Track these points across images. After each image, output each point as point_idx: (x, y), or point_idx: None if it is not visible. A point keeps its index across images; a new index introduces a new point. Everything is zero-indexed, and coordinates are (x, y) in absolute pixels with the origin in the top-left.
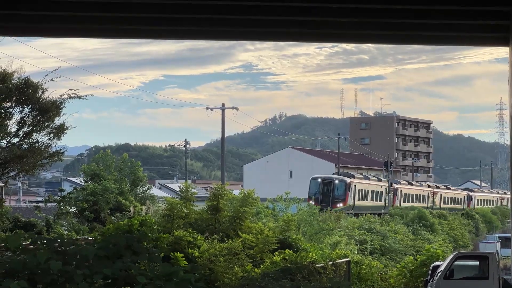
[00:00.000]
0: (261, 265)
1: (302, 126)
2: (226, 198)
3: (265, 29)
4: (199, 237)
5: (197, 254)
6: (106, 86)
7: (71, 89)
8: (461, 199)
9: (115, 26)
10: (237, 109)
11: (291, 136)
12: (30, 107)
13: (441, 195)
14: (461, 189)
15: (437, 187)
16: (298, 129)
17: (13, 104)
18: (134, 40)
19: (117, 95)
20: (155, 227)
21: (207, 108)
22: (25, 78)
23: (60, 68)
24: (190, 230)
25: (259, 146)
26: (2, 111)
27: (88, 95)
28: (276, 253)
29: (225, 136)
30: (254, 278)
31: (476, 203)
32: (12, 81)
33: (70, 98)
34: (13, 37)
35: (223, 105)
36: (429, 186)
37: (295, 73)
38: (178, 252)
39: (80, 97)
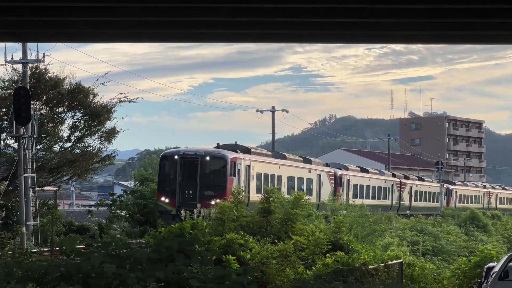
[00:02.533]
0: (313, 267)
1: (352, 128)
2: (278, 200)
3: (315, 31)
4: (250, 239)
5: (249, 256)
6: (155, 90)
7: (121, 93)
8: None
9: (163, 31)
10: (287, 111)
11: (341, 138)
12: (81, 111)
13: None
14: None
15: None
16: (348, 131)
17: (65, 109)
18: (183, 44)
19: (166, 99)
20: (206, 230)
21: (257, 110)
22: (76, 83)
23: (110, 72)
24: (242, 233)
25: (309, 148)
26: (55, 116)
27: (138, 98)
28: (328, 254)
29: (275, 138)
30: (306, 280)
31: None
32: (64, 87)
33: (120, 102)
34: (64, 43)
35: (273, 107)
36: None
37: (345, 74)
38: (230, 255)
39: (130, 101)
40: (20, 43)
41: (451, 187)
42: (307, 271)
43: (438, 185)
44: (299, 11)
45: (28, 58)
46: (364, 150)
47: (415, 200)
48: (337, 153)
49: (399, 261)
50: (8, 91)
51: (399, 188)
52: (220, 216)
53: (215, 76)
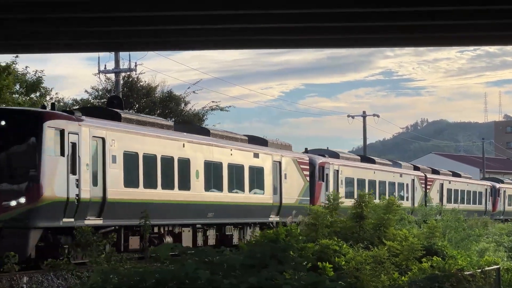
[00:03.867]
0: (408, 273)
1: (445, 131)
2: (370, 205)
3: (405, 35)
4: (344, 245)
5: (343, 262)
6: (246, 96)
7: (212, 101)
8: None
9: (253, 37)
10: (378, 116)
11: (433, 142)
12: (173, 119)
13: None
14: None
15: None
16: (440, 135)
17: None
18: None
19: (257, 105)
20: (300, 237)
21: (348, 116)
22: (168, 91)
23: (201, 80)
24: (336, 239)
25: (401, 152)
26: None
27: (229, 106)
28: (424, 259)
29: (367, 143)
30: (401, 286)
31: None
32: (156, 95)
33: (212, 109)
34: (155, 52)
35: (364, 112)
36: None
37: (436, 78)
38: (324, 261)
39: (221, 109)
40: (113, 53)
41: None
42: (402, 277)
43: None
44: (391, 15)
45: (121, 67)
46: (457, 154)
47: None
48: (430, 157)
49: (496, 267)
50: (102, 100)
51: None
52: (313, 222)
53: (306, 82)
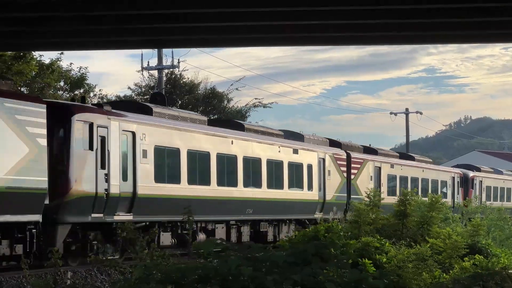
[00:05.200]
0: (451, 271)
1: (489, 129)
2: (414, 203)
3: (448, 32)
4: (386, 243)
5: (385, 260)
6: (289, 93)
7: (255, 98)
8: None
9: (296, 34)
10: (421, 113)
11: (476, 140)
12: (216, 116)
13: None
14: None
15: None
16: (484, 132)
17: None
18: (316, 47)
19: (300, 103)
20: (342, 234)
21: (391, 113)
22: (211, 88)
23: (244, 77)
24: (378, 236)
25: (444, 150)
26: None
27: (272, 103)
28: (466, 258)
29: (410, 140)
30: (445, 284)
31: None
32: (199, 92)
33: (255, 106)
34: (198, 48)
35: (406, 109)
36: None
37: (480, 75)
38: (366, 259)
39: (264, 106)
40: (156, 50)
41: None
42: (444, 275)
43: None
44: (433, 11)
45: (164, 64)
46: (501, 151)
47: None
48: (473, 155)
49: None
50: (145, 97)
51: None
52: (355, 219)
53: (348, 79)
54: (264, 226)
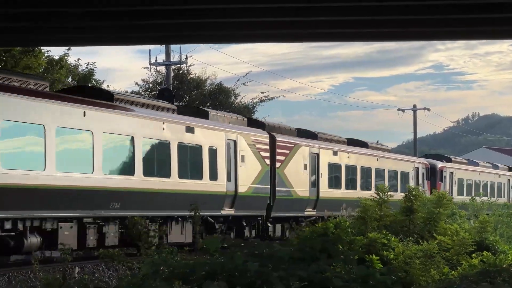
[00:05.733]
0: (458, 268)
1: (497, 126)
2: (420, 199)
3: (456, 28)
4: (393, 238)
5: (392, 256)
6: (296, 89)
7: (261, 92)
8: None
9: (303, 31)
10: (429, 110)
11: (485, 136)
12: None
13: None
14: None
15: None
16: (492, 129)
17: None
18: (323, 44)
19: (307, 99)
20: (349, 230)
21: (399, 109)
22: (218, 84)
23: (251, 72)
24: (384, 232)
25: (452, 146)
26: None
27: (278, 96)
28: (474, 255)
29: (417, 137)
30: (452, 280)
31: None
32: (206, 87)
33: (262, 101)
34: (206, 44)
35: (414, 106)
36: None
37: (488, 71)
38: (373, 255)
39: (270, 99)
40: (164, 46)
41: None
42: (452, 271)
43: None
44: (440, 7)
45: (171, 60)
46: (510, 148)
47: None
48: (481, 151)
49: None
50: (152, 93)
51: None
52: (362, 215)
53: (355, 75)
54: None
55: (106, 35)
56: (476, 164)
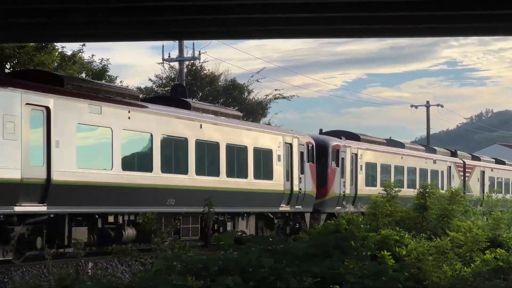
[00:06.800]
0: (471, 264)
1: (510, 122)
2: (434, 196)
3: (470, 24)
4: (406, 235)
5: (404, 252)
6: (309, 86)
7: (275, 89)
8: None
9: (316, 26)
10: (442, 106)
11: (498, 133)
12: (236, 108)
13: None
14: None
15: None
16: (506, 125)
17: (221, 106)
18: (336, 40)
19: (320, 95)
20: (362, 226)
21: (412, 106)
22: (231, 80)
23: (264, 69)
24: (397, 229)
25: (465, 143)
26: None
27: (293, 96)
28: (487, 251)
29: (430, 133)
30: (465, 277)
31: None
32: (219, 84)
33: (275, 98)
34: (219, 40)
35: (427, 102)
36: None
37: (502, 68)
38: (385, 251)
39: (284, 97)
40: (177, 42)
41: None
42: (465, 268)
43: None
44: (454, 3)
45: (185, 56)
46: None
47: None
48: (494, 148)
49: None
50: (166, 89)
51: None
52: (373, 212)
53: (368, 72)
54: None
55: (119, 31)
56: (401, 146)
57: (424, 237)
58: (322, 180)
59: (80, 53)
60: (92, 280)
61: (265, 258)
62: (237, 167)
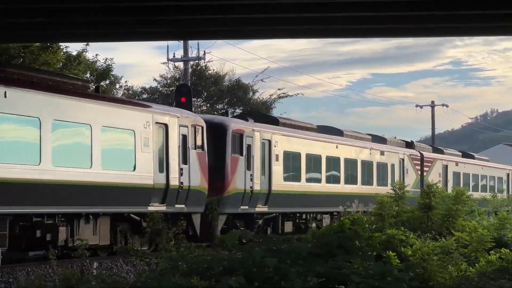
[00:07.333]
0: (476, 264)
1: None
2: (439, 196)
3: (474, 24)
4: (411, 235)
5: (409, 252)
6: (314, 86)
7: (279, 89)
8: None
9: (317, 26)
10: (447, 106)
11: (503, 133)
12: (241, 108)
13: None
14: None
15: None
16: (511, 125)
17: (225, 106)
18: (341, 40)
19: (325, 95)
20: (367, 226)
21: (417, 105)
22: (236, 80)
23: (269, 68)
24: (402, 229)
25: (470, 143)
26: (215, 113)
27: (298, 94)
28: (492, 252)
29: (435, 133)
30: (470, 277)
31: None
32: (224, 83)
33: (280, 98)
34: (224, 40)
35: (432, 102)
36: None
37: (507, 67)
38: (390, 251)
39: (287, 95)
40: (182, 42)
41: None
42: (470, 268)
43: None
44: (458, 3)
45: (189, 55)
46: None
47: None
48: (499, 148)
49: None
50: (170, 89)
51: None
52: (379, 212)
53: (373, 72)
54: None
55: (120, 30)
56: (340, 134)
57: (429, 237)
58: (218, 172)
59: (84, 53)
60: (97, 280)
61: (269, 258)
62: (73, 153)
